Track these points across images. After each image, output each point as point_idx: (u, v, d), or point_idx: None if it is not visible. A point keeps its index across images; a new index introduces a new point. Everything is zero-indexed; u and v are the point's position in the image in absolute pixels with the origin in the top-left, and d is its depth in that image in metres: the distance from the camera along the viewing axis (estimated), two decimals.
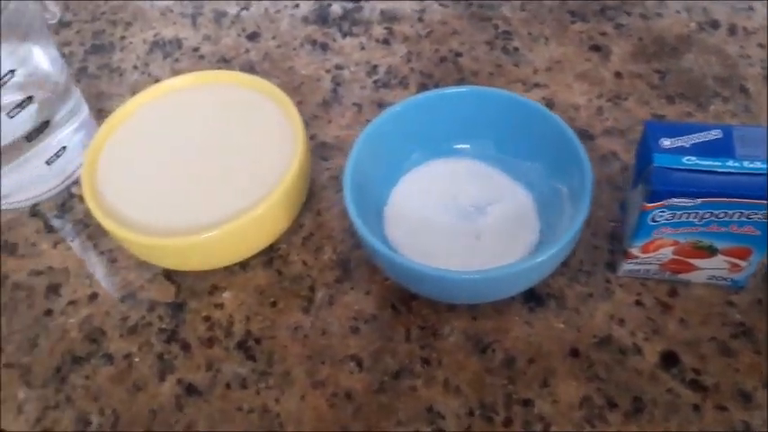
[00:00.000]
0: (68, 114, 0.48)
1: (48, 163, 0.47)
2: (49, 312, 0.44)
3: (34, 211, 0.49)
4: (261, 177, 0.42)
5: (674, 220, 0.37)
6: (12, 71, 0.42)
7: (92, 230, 0.48)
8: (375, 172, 0.43)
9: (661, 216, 0.37)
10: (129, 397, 0.40)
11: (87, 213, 0.48)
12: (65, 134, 0.48)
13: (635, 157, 0.40)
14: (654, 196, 0.36)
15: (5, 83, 0.42)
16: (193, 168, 0.43)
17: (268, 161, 0.43)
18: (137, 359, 0.41)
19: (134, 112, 0.46)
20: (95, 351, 0.42)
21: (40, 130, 0.45)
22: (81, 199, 0.49)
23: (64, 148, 0.48)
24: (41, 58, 0.45)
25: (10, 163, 0.46)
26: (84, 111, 0.50)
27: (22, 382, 0.41)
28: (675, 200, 0.36)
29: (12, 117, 0.44)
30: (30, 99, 0.44)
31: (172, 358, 0.41)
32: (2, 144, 0.44)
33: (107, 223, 0.41)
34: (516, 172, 0.45)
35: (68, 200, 0.50)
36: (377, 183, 0.44)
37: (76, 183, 0.50)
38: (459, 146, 0.46)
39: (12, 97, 0.44)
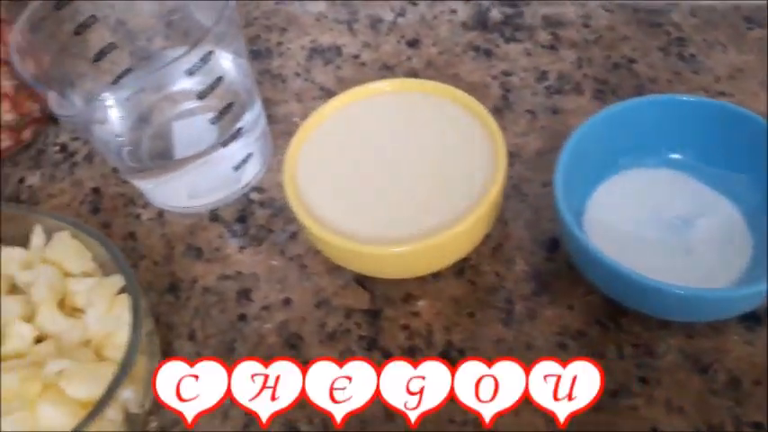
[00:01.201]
0: (254, 120, 0.48)
1: (235, 168, 0.47)
2: (243, 317, 0.44)
3: (214, 216, 0.50)
4: (462, 187, 0.41)
5: None
6: (220, 78, 0.42)
7: (276, 236, 0.48)
8: (576, 180, 0.42)
9: None
10: None
11: (269, 219, 0.49)
12: (251, 140, 0.48)
13: None
14: None
15: (215, 89, 0.42)
16: (391, 175, 0.43)
17: (468, 172, 0.42)
18: None
19: (327, 117, 0.46)
20: (295, 357, 0.42)
21: (234, 136, 0.45)
22: (261, 204, 0.50)
23: (251, 154, 0.48)
24: (235, 65, 0.46)
25: (197, 165, 0.46)
26: (264, 117, 0.51)
27: None
28: None
29: (213, 123, 0.44)
30: (230, 106, 0.44)
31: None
32: (198, 149, 0.45)
33: (313, 226, 0.40)
34: (720, 183, 0.43)
35: (248, 205, 0.50)
36: (577, 191, 0.43)
37: (256, 189, 0.50)
38: (657, 156, 0.45)
39: (215, 103, 0.44)
